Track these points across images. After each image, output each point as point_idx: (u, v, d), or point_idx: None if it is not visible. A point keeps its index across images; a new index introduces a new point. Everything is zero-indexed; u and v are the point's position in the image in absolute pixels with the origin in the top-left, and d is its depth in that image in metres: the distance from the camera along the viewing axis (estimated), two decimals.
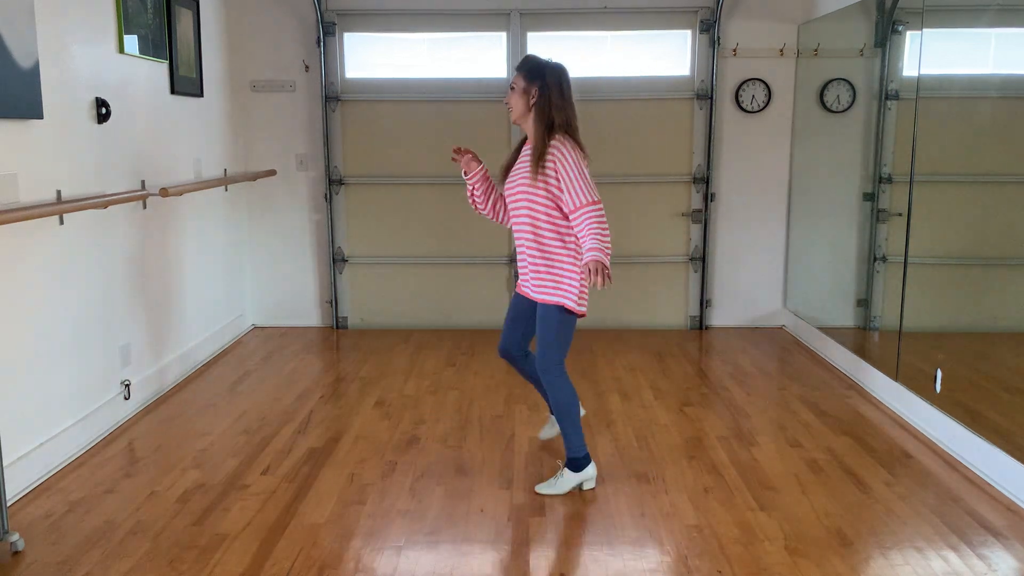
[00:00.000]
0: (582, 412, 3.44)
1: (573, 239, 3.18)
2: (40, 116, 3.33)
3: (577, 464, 3.30)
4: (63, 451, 3.57)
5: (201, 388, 4.63)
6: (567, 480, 3.30)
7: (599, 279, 2.93)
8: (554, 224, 3.18)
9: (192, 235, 4.95)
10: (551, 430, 3.74)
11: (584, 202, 3.07)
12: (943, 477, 3.44)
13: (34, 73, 3.27)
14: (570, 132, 3.22)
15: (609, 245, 3.03)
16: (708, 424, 4.04)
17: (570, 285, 3.17)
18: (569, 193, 3.11)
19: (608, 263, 2.97)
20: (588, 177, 3.12)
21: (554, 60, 3.27)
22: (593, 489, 3.33)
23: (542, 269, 3.22)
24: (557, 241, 3.19)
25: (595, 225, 3.05)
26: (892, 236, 4.50)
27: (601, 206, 3.08)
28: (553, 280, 3.20)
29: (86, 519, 3.06)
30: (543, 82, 3.20)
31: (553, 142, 3.17)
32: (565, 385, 3.27)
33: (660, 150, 5.81)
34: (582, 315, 3.23)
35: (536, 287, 3.25)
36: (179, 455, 3.67)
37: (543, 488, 3.32)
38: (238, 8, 5.58)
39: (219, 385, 4.68)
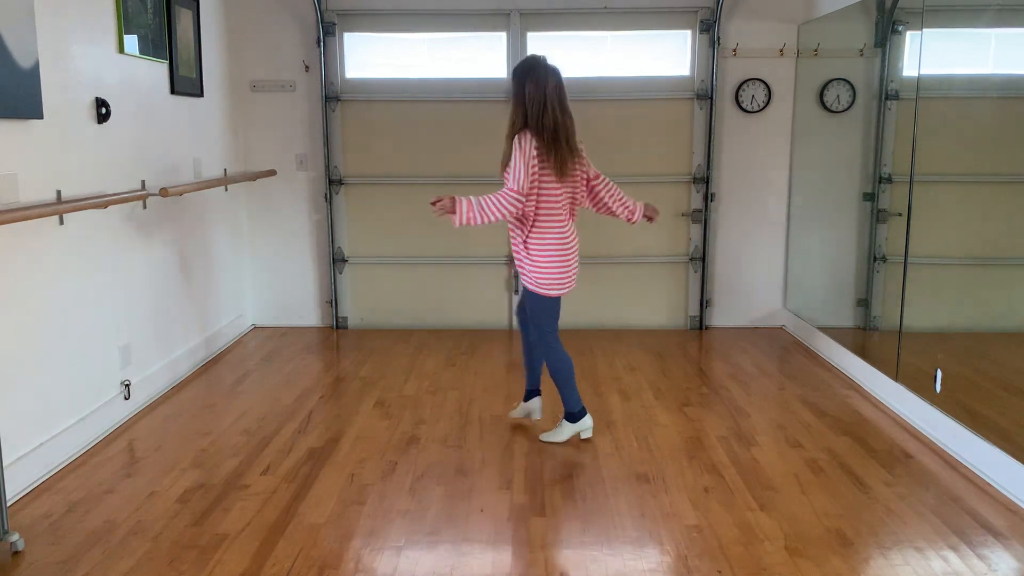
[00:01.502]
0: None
1: (538, 227, 3.55)
2: (40, 116, 3.33)
3: (574, 417, 3.76)
4: (63, 451, 3.57)
5: (201, 388, 4.63)
6: (565, 429, 3.77)
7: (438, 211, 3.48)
8: (523, 213, 3.55)
9: (192, 235, 4.95)
10: (521, 411, 4.03)
11: (508, 187, 3.46)
12: (943, 477, 3.44)
13: (34, 73, 3.27)
14: (531, 126, 3.48)
15: (481, 211, 3.45)
16: (708, 424, 4.04)
17: (535, 269, 3.59)
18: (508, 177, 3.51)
19: (460, 212, 3.44)
20: (524, 168, 3.43)
21: (534, 56, 3.61)
22: (590, 439, 3.80)
23: (521, 254, 3.66)
24: (523, 229, 3.59)
25: (493, 198, 3.46)
26: (892, 236, 4.50)
27: (513, 195, 3.44)
28: (527, 264, 3.62)
29: (86, 519, 3.06)
30: (516, 83, 3.56)
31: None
32: (557, 352, 3.70)
33: (660, 150, 5.81)
34: (547, 295, 3.62)
35: (520, 271, 3.70)
36: (179, 455, 3.67)
37: (546, 437, 3.78)
38: (238, 8, 5.58)
39: (219, 385, 4.68)
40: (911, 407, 4.07)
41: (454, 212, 3.46)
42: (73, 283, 3.68)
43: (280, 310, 6.02)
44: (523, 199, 3.45)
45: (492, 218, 3.47)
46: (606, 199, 3.74)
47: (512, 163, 3.45)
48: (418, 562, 2.78)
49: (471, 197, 3.50)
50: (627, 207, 3.78)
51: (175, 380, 4.68)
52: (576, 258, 3.65)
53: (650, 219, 3.87)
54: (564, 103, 3.52)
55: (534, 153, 3.44)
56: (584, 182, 3.69)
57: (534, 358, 3.90)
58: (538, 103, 3.46)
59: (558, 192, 3.53)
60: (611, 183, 3.77)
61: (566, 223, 3.59)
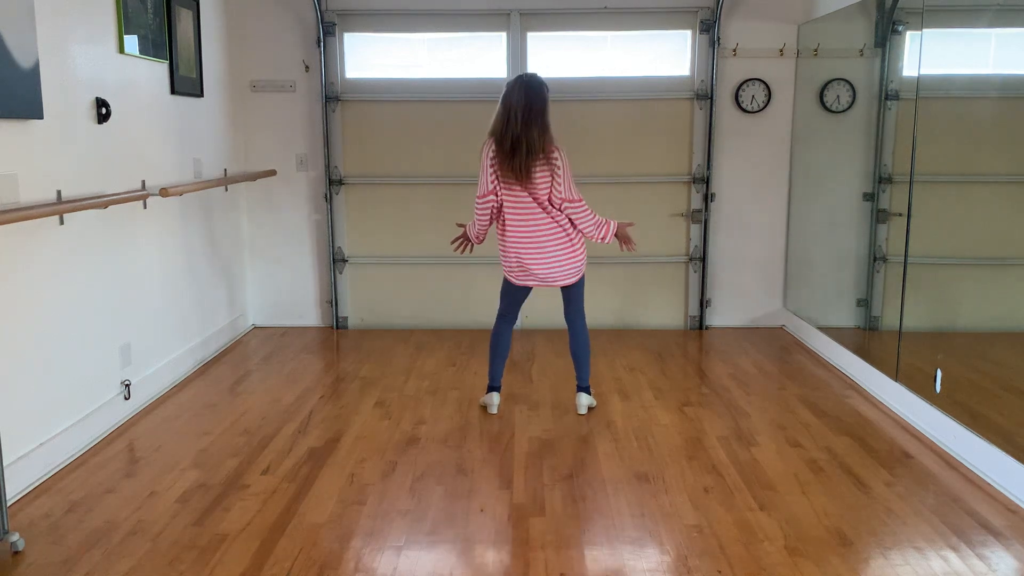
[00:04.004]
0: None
1: (501, 219, 3.97)
2: (40, 116, 3.33)
3: (487, 387, 4.24)
4: (63, 451, 3.57)
5: (201, 388, 4.63)
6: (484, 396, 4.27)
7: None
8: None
9: (192, 235, 4.96)
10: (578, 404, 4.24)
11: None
12: (943, 477, 3.44)
13: (34, 73, 3.27)
14: (491, 135, 3.92)
15: (473, 226, 4.05)
16: (708, 424, 4.04)
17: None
18: None
19: (468, 232, 4.12)
20: (480, 173, 3.92)
21: (526, 74, 3.97)
22: (494, 413, 4.18)
23: None
24: None
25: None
26: (892, 236, 4.50)
27: (477, 200, 3.94)
28: None
29: (86, 519, 3.06)
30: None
31: None
32: (493, 329, 4.25)
33: (660, 150, 5.81)
34: (509, 279, 4.08)
35: None
36: (179, 455, 3.67)
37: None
38: (238, 8, 5.58)
39: (219, 385, 4.68)
40: (911, 407, 4.07)
41: (468, 238, 4.13)
42: (73, 283, 3.68)
43: (280, 310, 6.02)
44: (482, 200, 3.92)
45: (480, 225, 4.01)
46: (574, 221, 3.95)
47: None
48: (418, 562, 2.78)
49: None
50: (597, 229, 3.97)
51: (175, 380, 4.68)
52: (522, 254, 3.93)
53: (625, 242, 4.08)
54: (530, 118, 3.80)
55: (488, 162, 3.87)
56: (547, 189, 3.88)
57: (579, 355, 4.17)
58: (502, 117, 3.85)
59: (512, 194, 3.89)
60: (580, 211, 3.91)
61: (514, 221, 3.91)
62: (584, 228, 3.94)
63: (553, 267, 3.94)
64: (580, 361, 4.16)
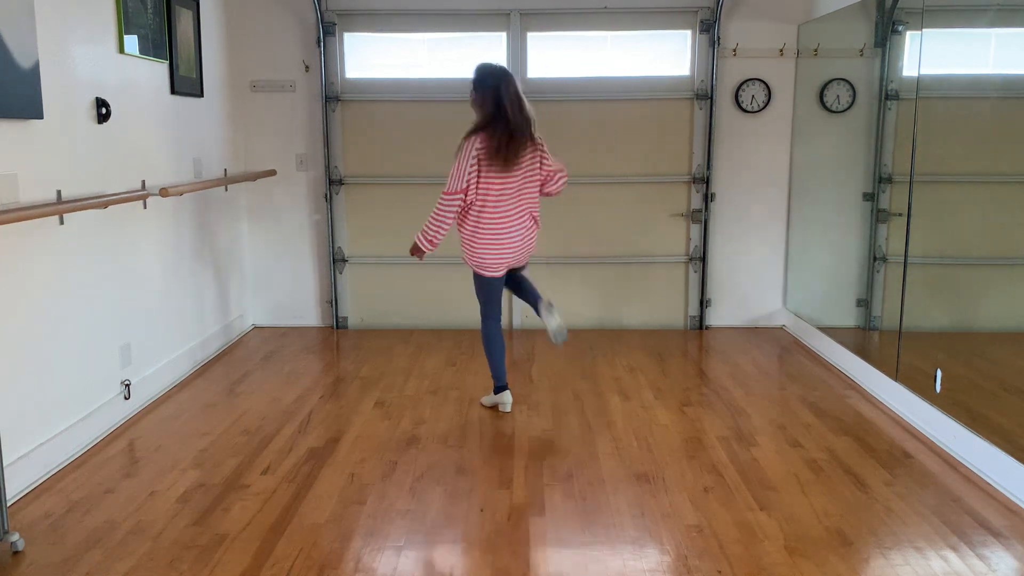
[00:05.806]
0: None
1: (472, 214, 3.93)
2: (40, 116, 3.33)
3: (496, 389, 4.20)
4: (63, 451, 3.57)
5: (201, 388, 4.63)
6: (488, 398, 4.28)
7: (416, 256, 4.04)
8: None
9: (192, 235, 4.95)
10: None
11: (442, 192, 3.90)
12: (943, 477, 3.44)
13: (34, 73, 3.27)
14: (483, 128, 3.84)
15: (430, 231, 3.92)
16: (708, 424, 4.04)
17: (467, 254, 4.04)
18: None
19: (420, 245, 3.96)
20: (458, 170, 3.84)
21: (497, 64, 3.97)
22: (508, 411, 4.17)
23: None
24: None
25: (433, 212, 3.92)
26: (892, 236, 4.50)
27: (448, 198, 3.87)
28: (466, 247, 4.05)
29: (86, 519, 3.06)
30: (473, 87, 3.93)
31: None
32: (484, 331, 4.14)
33: (660, 150, 5.81)
34: (482, 274, 4.03)
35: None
36: (179, 455, 3.67)
37: (483, 400, 4.30)
38: (238, 8, 5.58)
39: (219, 385, 4.68)
40: (911, 407, 4.07)
41: (420, 250, 3.99)
42: (73, 283, 3.68)
43: (280, 310, 6.02)
44: (452, 195, 3.87)
45: (441, 227, 3.92)
46: (561, 180, 4.08)
47: (453, 167, 3.87)
48: (418, 562, 2.78)
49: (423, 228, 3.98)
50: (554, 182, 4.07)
51: (175, 380, 4.68)
52: (503, 240, 3.96)
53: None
54: (522, 105, 3.87)
55: (470, 158, 3.82)
56: (539, 171, 4.00)
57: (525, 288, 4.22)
58: (493, 108, 3.83)
59: (498, 183, 3.89)
60: (563, 173, 4.07)
61: (497, 209, 3.92)
62: (561, 184, 4.06)
63: (524, 247, 4.05)
64: (527, 291, 4.20)
